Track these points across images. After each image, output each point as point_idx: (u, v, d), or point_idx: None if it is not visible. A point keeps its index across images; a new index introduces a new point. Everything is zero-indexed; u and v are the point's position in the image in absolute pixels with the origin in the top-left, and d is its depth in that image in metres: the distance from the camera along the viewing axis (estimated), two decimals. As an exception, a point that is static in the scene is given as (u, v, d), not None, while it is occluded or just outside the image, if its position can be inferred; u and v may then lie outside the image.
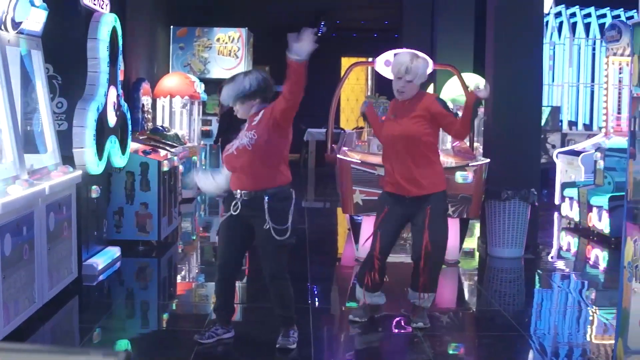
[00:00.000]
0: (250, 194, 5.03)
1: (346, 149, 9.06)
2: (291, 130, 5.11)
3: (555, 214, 11.37)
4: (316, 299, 7.00)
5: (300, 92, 4.82)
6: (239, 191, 5.08)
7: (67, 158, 6.72)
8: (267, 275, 5.19)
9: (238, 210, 5.09)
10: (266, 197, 4.97)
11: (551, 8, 15.47)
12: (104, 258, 7.48)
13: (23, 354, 1.44)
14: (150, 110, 12.44)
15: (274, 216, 4.98)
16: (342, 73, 9.62)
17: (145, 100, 12.02)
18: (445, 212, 5.91)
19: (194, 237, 10.19)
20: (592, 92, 15.40)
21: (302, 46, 4.67)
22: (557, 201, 11.67)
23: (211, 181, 5.26)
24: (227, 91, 5.10)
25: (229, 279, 5.39)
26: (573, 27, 15.35)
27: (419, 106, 5.67)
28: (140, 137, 9.92)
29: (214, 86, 13.77)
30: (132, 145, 8.46)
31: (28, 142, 6.37)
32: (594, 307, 6.83)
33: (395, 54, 5.96)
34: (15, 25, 5.73)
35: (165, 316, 6.57)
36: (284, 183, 5.07)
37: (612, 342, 5.35)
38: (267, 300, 5.46)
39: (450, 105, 13.30)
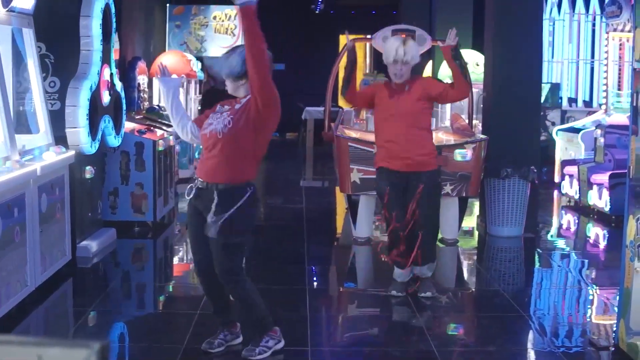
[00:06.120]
0: (204, 184, 4.66)
1: (344, 127, 8.96)
2: (271, 129, 4.69)
3: (555, 192, 11.29)
4: (314, 280, 6.93)
5: (258, 44, 4.41)
6: (197, 178, 4.72)
7: (60, 138, 6.62)
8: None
9: (191, 196, 4.72)
10: (215, 192, 4.58)
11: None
12: (99, 240, 7.39)
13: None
14: (146, 90, 12.31)
15: (219, 212, 4.55)
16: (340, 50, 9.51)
17: (142, 80, 11.90)
18: (437, 188, 6.23)
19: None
20: (592, 69, 15.28)
21: None
22: (557, 179, 11.59)
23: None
24: (218, 67, 4.76)
25: (208, 274, 4.78)
26: (573, 2, 15.19)
27: (415, 87, 5.99)
28: (136, 117, 9.82)
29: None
30: (127, 125, 8.36)
31: (20, 123, 6.28)
32: (595, 286, 6.77)
33: (384, 38, 6.10)
34: (6, 3, 5.63)
35: (161, 298, 6.51)
36: (240, 181, 4.62)
37: (613, 322, 5.29)
38: (262, 281, 5.36)
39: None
